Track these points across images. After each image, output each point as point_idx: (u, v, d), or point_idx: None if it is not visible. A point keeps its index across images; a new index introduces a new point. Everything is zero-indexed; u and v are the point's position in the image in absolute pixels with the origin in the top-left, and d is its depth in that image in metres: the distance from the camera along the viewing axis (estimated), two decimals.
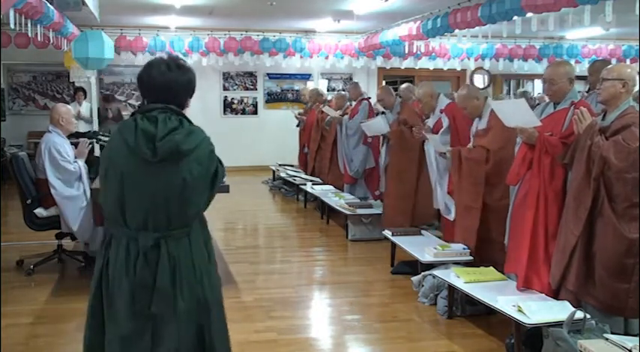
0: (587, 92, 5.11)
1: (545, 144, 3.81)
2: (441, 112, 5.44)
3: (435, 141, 5.26)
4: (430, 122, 5.71)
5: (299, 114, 10.35)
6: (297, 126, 10.30)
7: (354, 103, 8.09)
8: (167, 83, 2.32)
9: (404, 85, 8.47)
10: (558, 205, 3.80)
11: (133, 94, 12.00)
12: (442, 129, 5.33)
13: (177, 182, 2.24)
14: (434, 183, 5.62)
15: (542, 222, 3.85)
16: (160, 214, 2.26)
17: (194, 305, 2.32)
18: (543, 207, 3.84)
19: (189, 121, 2.35)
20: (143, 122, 2.26)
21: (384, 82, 13.46)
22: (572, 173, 3.64)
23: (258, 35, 11.15)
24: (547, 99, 4.21)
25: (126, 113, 10.63)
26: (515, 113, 4.02)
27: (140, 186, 2.24)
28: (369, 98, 8.23)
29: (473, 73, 12.85)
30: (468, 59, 11.86)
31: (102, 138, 5.93)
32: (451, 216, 5.22)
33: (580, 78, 12.94)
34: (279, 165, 10.44)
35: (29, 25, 6.21)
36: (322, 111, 8.77)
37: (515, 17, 6.61)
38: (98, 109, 10.63)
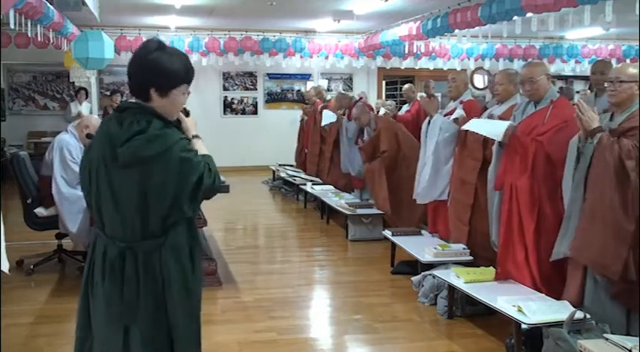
0: (589, 89, 5.11)
1: (517, 143, 3.98)
2: (461, 103, 5.37)
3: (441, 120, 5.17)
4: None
5: (303, 110, 10.40)
6: (301, 120, 10.31)
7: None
8: (129, 72, 2.18)
9: (406, 86, 8.50)
10: (528, 200, 3.92)
11: None
12: (451, 117, 5.27)
13: (138, 190, 2.10)
14: (421, 169, 5.52)
15: (516, 214, 3.99)
16: (127, 223, 2.15)
17: (162, 316, 2.21)
18: (515, 201, 3.99)
19: (168, 123, 2.18)
20: (110, 124, 2.16)
21: (383, 82, 13.47)
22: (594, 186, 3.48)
23: (258, 35, 11.15)
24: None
25: None
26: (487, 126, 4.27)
27: (109, 193, 2.15)
28: (361, 99, 8.22)
29: (473, 73, 12.84)
30: (468, 59, 11.86)
31: None
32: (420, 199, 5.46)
33: (580, 78, 12.99)
34: (279, 165, 10.44)
35: (29, 25, 6.21)
36: (320, 112, 8.79)
37: (515, 17, 6.61)
38: (105, 108, 10.63)
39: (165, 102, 2.17)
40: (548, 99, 4.07)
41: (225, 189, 5.04)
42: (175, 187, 2.10)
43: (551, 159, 3.88)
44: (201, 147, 2.28)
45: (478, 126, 4.36)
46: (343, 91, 9.62)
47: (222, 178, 2.39)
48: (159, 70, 2.13)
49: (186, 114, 2.34)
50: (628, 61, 11.68)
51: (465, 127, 4.51)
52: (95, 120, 5.53)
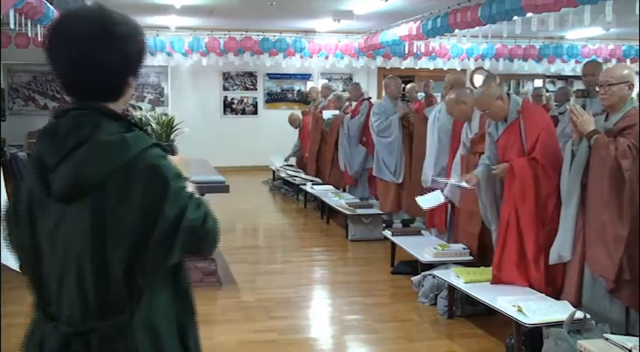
0: (586, 91, 5.12)
1: (514, 172, 3.99)
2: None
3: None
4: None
5: (302, 112, 10.40)
6: (296, 127, 10.30)
7: (354, 104, 8.09)
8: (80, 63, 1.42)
9: (409, 85, 8.51)
10: (530, 225, 3.94)
11: (134, 94, 11.97)
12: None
13: (88, 235, 1.37)
14: (429, 159, 5.70)
15: (514, 231, 4.01)
16: (75, 292, 1.40)
17: None
18: (515, 228, 3.99)
19: (130, 124, 1.45)
20: (40, 139, 1.44)
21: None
22: (593, 185, 3.53)
23: (258, 35, 11.15)
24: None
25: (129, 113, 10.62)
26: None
27: (48, 246, 1.43)
28: (370, 98, 8.24)
29: (473, 73, 12.85)
30: (468, 59, 11.86)
31: None
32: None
33: (580, 78, 12.96)
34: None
35: (29, 25, 6.21)
36: (321, 111, 8.81)
37: (515, 17, 6.61)
38: None
39: (131, 90, 1.53)
40: (514, 111, 4.13)
41: (225, 189, 5.05)
42: (140, 222, 1.37)
43: (547, 169, 3.91)
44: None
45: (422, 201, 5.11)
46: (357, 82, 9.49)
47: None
48: (131, 47, 1.46)
49: (172, 151, 1.66)
50: (628, 61, 11.69)
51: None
52: None
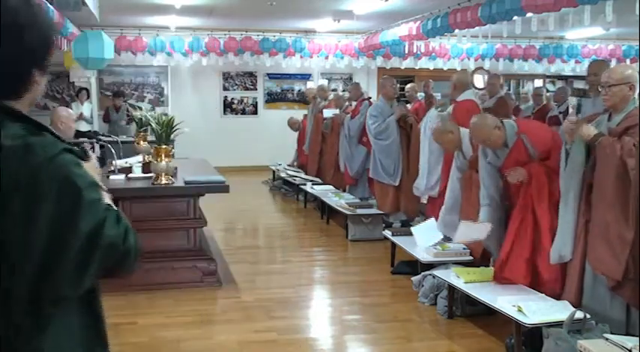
0: (588, 90, 5.12)
1: (532, 175, 3.98)
2: (452, 103, 5.48)
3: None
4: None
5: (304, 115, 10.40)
6: (296, 130, 10.30)
7: (354, 104, 8.09)
8: None
9: (409, 85, 8.51)
10: (546, 213, 3.93)
11: (134, 94, 12.00)
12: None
13: None
14: (422, 168, 5.73)
15: (530, 225, 3.99)
16: None
17: None
18: (532, 228, 3.98)
19: (37, 126, 1.29)
20: None
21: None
22: (598, 181, 3.53)
23: (258, 35, 11.16)
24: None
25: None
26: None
27: None
28: (370, 98, 8.24)
29: (473, 73, 12.84)
30: (468, 59, 11.86)
31: (102, 138, 5.92)
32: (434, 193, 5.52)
33: (580, 78, 13.00)
34: (280, 165, 10.43)
35: None
36: (321, 111, 8.81)
37: (515, 17, 6.61)
38: (107, 108, 10.63)
39: (39, 88, 1.39)
40: (512, 135, 4.11)
41: (225, 189, 5.04)
42: (49, 239, 1.19)
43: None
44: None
45: (417, 231, 5.03)
46: (357, 82, 9.48)
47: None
48: (43, 31, 1.35)
49: (84, 154, 1.35)
50: (628, 61, 11.69)
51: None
52: (61, 109, 5.46)
